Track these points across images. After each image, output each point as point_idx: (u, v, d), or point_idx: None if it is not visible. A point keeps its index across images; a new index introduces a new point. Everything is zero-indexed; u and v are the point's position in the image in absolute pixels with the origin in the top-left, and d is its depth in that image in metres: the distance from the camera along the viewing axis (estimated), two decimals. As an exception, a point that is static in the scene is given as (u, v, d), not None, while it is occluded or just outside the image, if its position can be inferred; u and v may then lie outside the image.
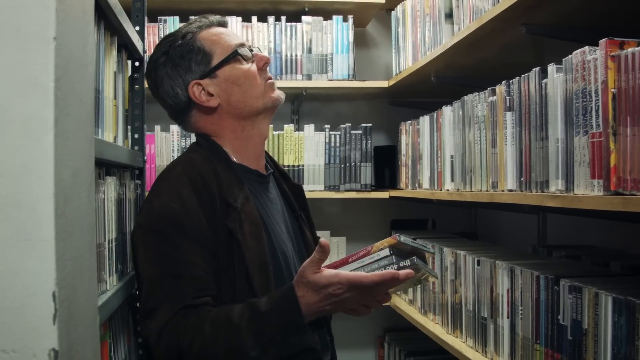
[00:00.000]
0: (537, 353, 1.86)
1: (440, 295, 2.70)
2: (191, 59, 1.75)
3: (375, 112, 3.85)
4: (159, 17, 3.29)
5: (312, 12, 3.49)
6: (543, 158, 1.77)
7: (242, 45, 1.80)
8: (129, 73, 2.20)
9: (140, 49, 2.17)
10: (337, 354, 1.85)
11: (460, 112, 2.42)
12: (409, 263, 1.54)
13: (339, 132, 3.42)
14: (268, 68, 1.84)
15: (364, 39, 3.87)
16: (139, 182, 2.23)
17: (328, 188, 3.38)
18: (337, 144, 3.41)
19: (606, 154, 1.45)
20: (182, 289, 1.55)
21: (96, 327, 1.07)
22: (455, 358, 2.40)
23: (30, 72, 0.81)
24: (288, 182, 1.94)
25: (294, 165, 3.36)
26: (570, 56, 1.62)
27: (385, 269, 1.53)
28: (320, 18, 3.44)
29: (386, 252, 1.57)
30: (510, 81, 1.97)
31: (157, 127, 3.25)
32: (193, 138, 1.86)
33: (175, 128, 3.27)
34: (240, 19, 3.37)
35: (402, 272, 1.50)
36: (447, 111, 2.61)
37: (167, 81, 1.77)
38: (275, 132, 3.36)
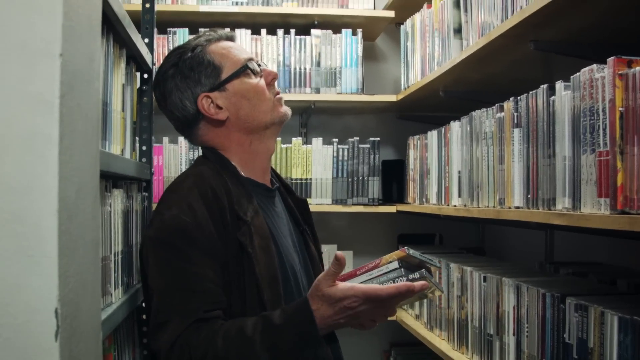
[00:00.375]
0: (543, 371, 1.84)
1: (446, 311, 2.69)
2: (201, 71, 1.76)
3: (384, 126, 3.85)
4: (168, 29, 3.31)
5: (321, 25, 3.50)
6: (550, 175, 1.76)
7: (250, 59, 1.81)
8: (138, 85, 2.21)
9: (149, 61, 2.18)
10: None
11: (468, 128, 2.42)
12: (419, 276, 1.53)
13: (347, 146, 3.42)
14: (276, 82, 1.85)
15: (373, 53, 3.87)
16: (146, 194, 2.24)
17: (335, 202, 3.37)
18: (345, 158, 3.41)
19: (613, 173, 1.45)
20: (193, 302, 1.54)
21: (99, 343, 1.07)
22: (460, 374, 2.39)
23: (36, 89, 0.81)
24: (293, 196, 1.94)
25: (301, 179, 3.36)
26: (578, 74, 1.62)
27: (394, 281, 1.53)
28: (330, 31, 3.45)
29: (395, 264, 1.56)
30: (518, 98, 1.97)
31: (165, 139, 3.26)
32: (201, 150, 1.86)
33: (183, 140, 3.28)
34: (249, 31, 3.39)
35: (417, 283, 1.50)
36: (455, 126, 2.61)
37: (176, 93, 1.78)
38: (283, 145, 3.36)
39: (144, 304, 2.13)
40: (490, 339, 2.21)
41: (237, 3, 3.36)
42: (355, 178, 3.40)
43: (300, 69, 3.41)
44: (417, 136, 3.21)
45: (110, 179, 1.68)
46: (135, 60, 2.05)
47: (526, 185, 1.92)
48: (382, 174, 3.58)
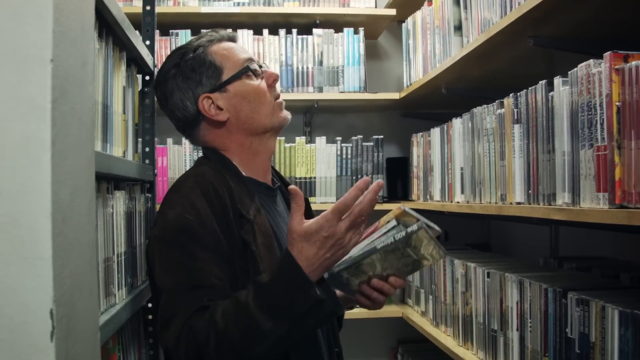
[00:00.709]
0: (546, 366, 1.85)
1: (451, 307, 2.69)
2: (202, 72, 1.76)
3: (388, 123, 3.86)
4: (170, 31, 3.32)
5: (323, 24, 3.50)
6: (550, 171, 1.77)
7: (251, 60, 1.81)
8: (139, 87, 2.22)
9: (150, 63, 2.20)
10: None
11: (470, 125, 2.42)
12: (416, 227, 1.51)
13: (350, 144, 3.43)
14: (278, 83, 1.85)
15: (375, 51, 3.88)
16: (150, 195, 2.25)
17: (340, 200, 3.37)
18: (349, 156, 3.42)
19: (611, 167, 1.45)
20: (199, 297, 1.55)
21: (97, 344, 1.08)
22: (465, 371, 2.39)
23: (28, 94, 0.82)
24: None
25: (305, 178, 3.37)
26: (575, 69, 1.62)
27: (395, 237, 1.52)
28: (332, 30, 3.45)
29: (393, 223, 1.56)
30: (518, 94, 1.97)
31: (169, 140, 3.28)
32: (202, 151, 1.87)
33: (187, 141, 3.29)
34: (251, 32, 3.39)
35: (374, 184, 1.47)
36: (457, 123, 2.61)
37: (177, 94, 1.78)
38: (286, 145, 3.37)
39: (150, 305, 2.15)
40: (495, 334, 2.21)
41: (238, 4, 3.37)
42: (359, 176, 3.40)
43: (302, 68, 3.42)
44: (420, 133, 3.22)
45: (112, 181, 1.69)
46: (136, 63, 2.06)
47: (527, 181, 1.92)
48: (386, 172, 3.59)
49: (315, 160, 3.39)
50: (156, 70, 2.11)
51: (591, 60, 1.55)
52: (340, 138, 3.46)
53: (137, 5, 2.51)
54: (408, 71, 3.35)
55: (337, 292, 1.69)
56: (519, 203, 1.98)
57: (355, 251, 1.60)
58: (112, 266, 1.65)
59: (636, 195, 1.38)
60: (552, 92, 1.76)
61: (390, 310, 3.36)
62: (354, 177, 3.40)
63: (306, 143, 3.41)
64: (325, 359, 1.72)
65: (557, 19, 1.88)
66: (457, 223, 3.55)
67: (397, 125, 3.84)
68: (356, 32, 3.47)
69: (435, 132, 2.93)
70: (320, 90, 3.42)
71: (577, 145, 1.61)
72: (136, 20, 2.14)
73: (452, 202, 2.70)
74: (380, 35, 3.82)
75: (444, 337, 2.75)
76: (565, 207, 1.67)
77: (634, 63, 1.40)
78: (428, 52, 3.01)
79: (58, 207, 0.85)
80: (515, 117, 1.98)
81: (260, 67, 1.82)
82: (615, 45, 1.50)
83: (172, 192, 1.71)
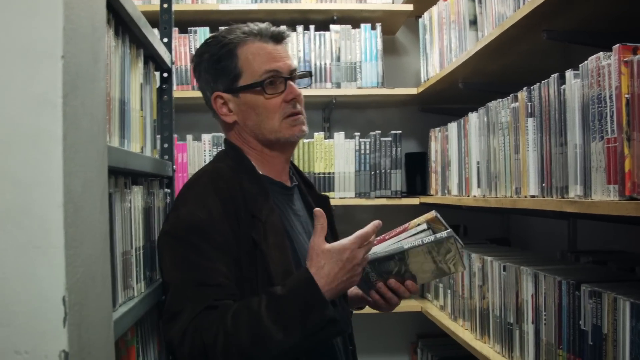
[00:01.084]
0: (560, 359, 1.85)
1: (469, 301, 2.70)
2: (223, 70, 1.77)
3: (406, 118, 3.87)
4: (189, 29, 3.36)
5: (341, 20, 3.53)
6: (562, 164, 1.77)
7: (276, 72, 1.75)
8: (157, 84, 2.25)
9: (167, 60, 2.22)
10: None
11: (485, 119, 2.43)
12: (446, 235, 1.54)
13: (368, 140, 3.44)
14: (299, 102, 1.79)
15: (393, 46, 3.89)
16: (169, 190, 2.28)
17: (359, 195, 3.40)
18: (367, 151, 3.43)
19: (621, 159, 1.46)
20: (206, 294, 1.58)
21: (110, 332, 1.11)
22: (482, 364, 2.40)
23: (40, 89, 0.86)
24: (313, 192, 1.94)
25: (324, 173, 3.40)
26: (586, 62, 1.63)
27: (423, 240, 1.55)
28: (349, 26, 3.47)
29: (424, 226, 1.58)
30: (531, 87, 1.98)
31: (189, 137, 3.32)
32: (224, 144, 1.88)
33: (207, 137, 3.33)
34: (269, 29, 3.42)
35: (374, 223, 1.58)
36: (473, 117, 2.62)
37: (203, 79, 1.82)
38: (305, 140, 3.39)
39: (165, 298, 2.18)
40: (511, 327, 2.22)
41: (256, 1, 3.40)
42: (377, 171, 3.42)
43: (320, 64, 3.44)
44: (438, 128, 3.22)
45: (130, 176, 1.72)
46: (153, 60, 2.09)
47: (541, 174, 1.93)
48: (405, 167, 3.60)
49: (334, 155, 3.41)
50: (174, 68, 2.13)
51: (601, 53, 1.56)
52: (358, 133, 3.47)
53: (155, 4, 2.54)
54: (425, 66, 3.36)
55: (350, 289, 1.71)
56: (533, 196, 1.99)
57: (381, 248, 1.62)
58: (130, 259, 1.68)
59: (645, 187, 1.39)
60: (564, 86, 1.77)
61: (409, 305, 3.37)
62: (372, 172, 3.41)
63: (325, 138, 3.44)
64: (339, 358, 1.74)
65: (570, 12, 1.88)
66: (476, 218, 3.55)
67: (415, 120, 3.84)
68: (373, 27, 3.48)
69: (453, 126, 2.94)
70: (338, 86, 3.44)
71: (589, 138, 1.62)
72: (154, 18, 2.17)
73: (469, 196, 2.71)
74: (397, 30, 3.83)
75: (462, 331, 2.76)
76: (577, 199, 1.68)
77: (643, 55, 1.41)
78: (444, 47, 3.01)
79: (70, 198, 0.88)
80: (529, 111, 1.99)
81: (289, 77, 1.77)
82: (627, 38, 1.50)
83: (186, 189, 1.73)
